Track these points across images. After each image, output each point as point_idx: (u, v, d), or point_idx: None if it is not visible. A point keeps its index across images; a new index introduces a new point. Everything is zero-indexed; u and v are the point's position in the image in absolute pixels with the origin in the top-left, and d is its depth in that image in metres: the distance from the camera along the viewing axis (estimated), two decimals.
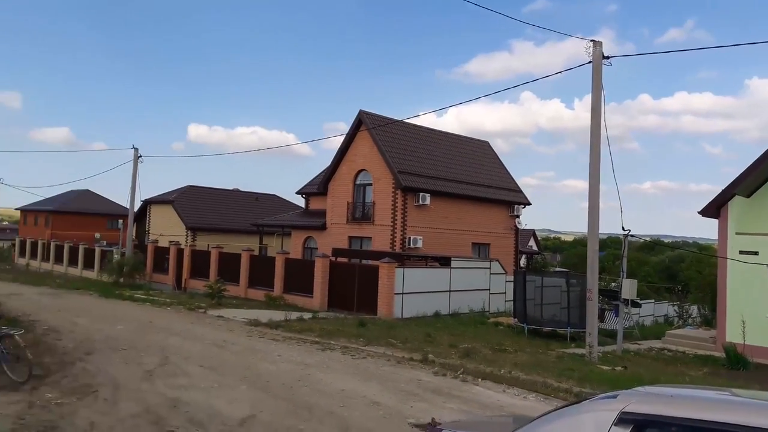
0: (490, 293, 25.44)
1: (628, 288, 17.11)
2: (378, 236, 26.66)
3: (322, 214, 29.84)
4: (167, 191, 43.10)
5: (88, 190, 63.13)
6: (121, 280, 31.46)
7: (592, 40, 15.07)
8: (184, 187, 42.84)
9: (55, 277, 36.45)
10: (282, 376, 10.65)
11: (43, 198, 60.09)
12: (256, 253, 29.98)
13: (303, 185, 33.64)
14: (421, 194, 26.25)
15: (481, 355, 13.99)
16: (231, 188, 47.14)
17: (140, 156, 34.35)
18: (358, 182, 28.21)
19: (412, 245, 25.82)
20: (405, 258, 24.60)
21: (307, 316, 19.39)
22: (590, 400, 3.66)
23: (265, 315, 19.02)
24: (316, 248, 28.84)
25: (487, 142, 34.78)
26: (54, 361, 10.89)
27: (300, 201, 35.77)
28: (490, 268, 25.59)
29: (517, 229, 32.04)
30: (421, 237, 26.20)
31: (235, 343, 14.02)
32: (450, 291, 23.41)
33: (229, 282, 26.09)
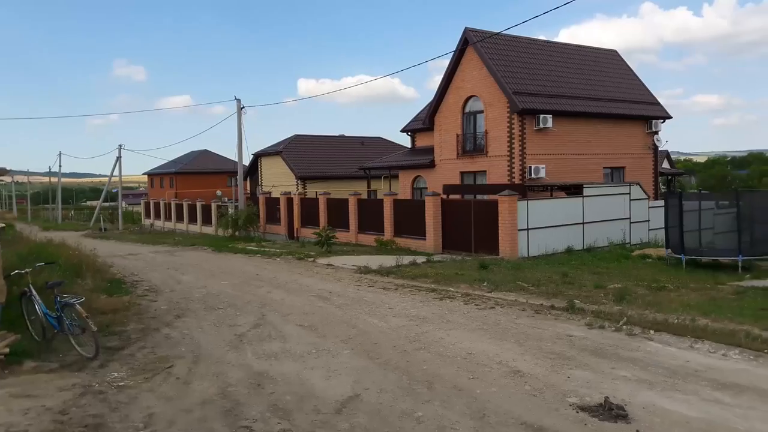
0: (631, 222, 21.95)
1: None
2: (493, 169, 23.84)
3: (429, 151, 27.39)
4: (276, 143, 42.62)
5: (206, 150, 65.03)
6: (236, 233, 31.38)
7: None
8: (291, 137, 42.07)
9: (176, 235, 37.40)
10: (393, 336, 8.64)
11: (166, 161, 62.73)
12: (364, 197, 28.37)
13: (408, 122, 31.27)
14: (541, 116, 22.91)
15: (638, 297, 11.17)
16: (337, 135, 45.87)
17: (243, 107, 33.63)
18: (467, 111, 25.31)
19: (533, 175, 22.77)
20: (527, 189, 21.68)
21: (420, 260, 17.35)
22: None
23: (375, 261, 17.24)
24: (426, 188, 26.59)
25: (615, 51, 30.10)
26: (138, 328, 9.65)
27: (406, 141, 33.55)
28: (629, 193, 22.00)
29: (656, 148, 27.68)
30: (543, 165, 23.02)
31: (342, 295, 12.27)
32: (583, 223, 20.31)
33: (339, 228, 24.70)
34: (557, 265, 16.10)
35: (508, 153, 23.14)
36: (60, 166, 62.17)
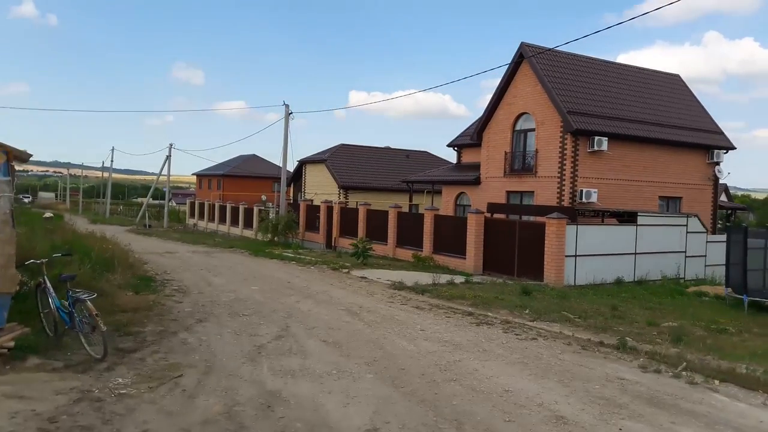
0: (687, 256, 20.57)
1: None
2: (542, 189, 22.84)
3: (475, 167, 26.56)
4: (321, 151, 42.51)
5: (255, 154, 65.76)
6: (275, 238, 31.19)
7: None
8: (337, 145, 41.87)
9: (217, 236, 37.54)
10: (423, 362, 7.90)
11: (216, 163, 63.65)
12: (405, 210, 27.72)
13: (455, 137, 30.54)
14: (596, 138, 21.82)
15: (697, 339, 10.11)
16: (382, 146, 45.46)
17: (291, 113, 33.58)
18: (517, 128, 24.41)
19: (584, 199, 21.64)
20: (577, 214, 20.61)
21: (458, 279, 16.53)
22: None
23: (411, 277, 16.52)
24: (469, 205, 25.73)
25: (678, 76, 28.70)
26: (156, 330, 9.19)
27: (452, 156, 32.80)
28: (687, 225, 20.66)
29: (716, 179, 26.10)
30: (595, 189, 21.88)
31: (372, 311, 11.60)
32: (635, 253, 19.09)
33: (377, 240, 24.09)
34: (606, 297, 15.03)
35: (559, 174, 22.12)
36: (112, 161, 63.88)
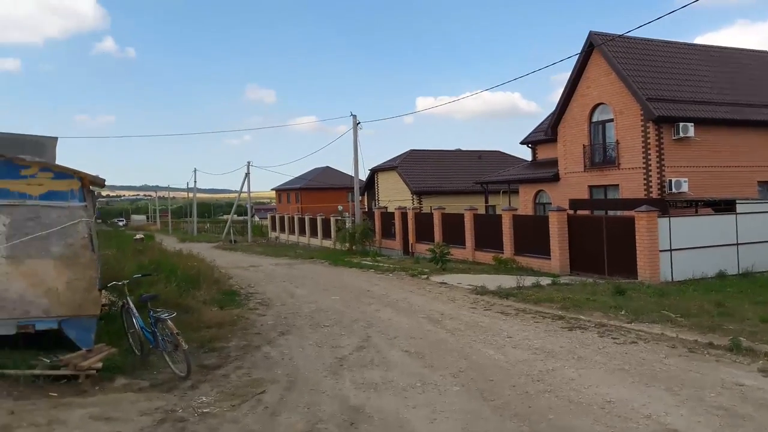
0: None
1: None
2: (627, 182, 21.58)
3: (552, 163, 25.53)
4: (391, 158, 42.47)
5: (328, 166, 66.82)
6: (353, 247, 31.35)
7: None
8: (407, 152, 41.71)
9: (298, 247, 38.21)
10: (512, 372, 7.41)
11: (293, 177, 65.21)
12: (481, 212, 27.05)
13: (528, 133, 29.56)
14: (680, 125, 20.37)
15: None
16: (453, 149, 44.87)
17: (359, 123, 33.73)
18: (594, 120, 23.25)
19: (674, 189, 20.23)
20: (668, 205, 19.28)
21: (544, 281, 15.77)
22: None
23: (493, 281, 15.92)
24: (549, 203, 24.73)
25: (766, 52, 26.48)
26: (239, 345, 9.19)
27: (526, 154, 31.77)
28: None
29: None
30: (685, 179, 20.41)
31: (454, 318, 11.17)
32: (737, 244, 17.58)
33: (454, 245, 23.58)
34: (709, 292, 13.85)
35: (644, 165, 20.85)
36: (195, 182, 66.70)
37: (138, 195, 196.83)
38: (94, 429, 5.40)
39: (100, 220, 79.56)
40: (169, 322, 7.13)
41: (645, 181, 20.82)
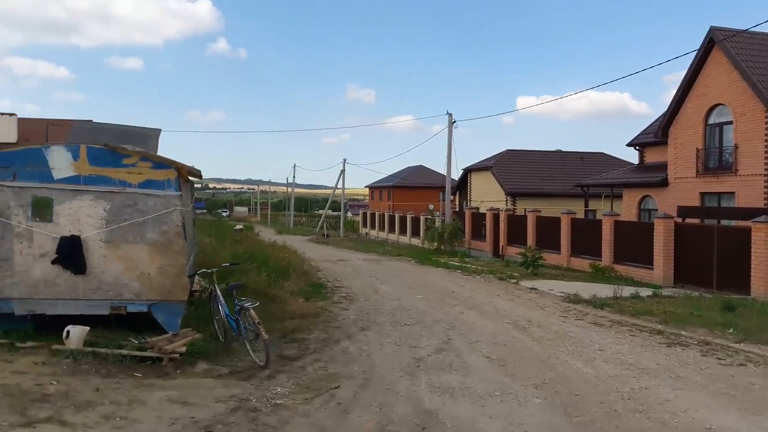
0: None
1: None
2: (744, 190, 19.76)
3: (661, 167, 23.91)
4: (486, 158, 41.67)
5: (422, 165, 66.92)
6: (441, 247, 31.07)
7: None
8: (503, 151, 40.73)
9: (387, 244, 38.43)
10: (601, 388, 6.89)
11: (386, 175, 65.91)
12: (580, 216, 25.83)
13: (635, 135, 27.88)
14: None
15: None
16: (553, 150, 43.27)
17: (454, 121, 33.35)
18: (710, 122, 21.50)
19: None
20: None
21: (644, 292, 14.73)
22: None
23: (588, 289, 15.09)
24: (655, 209, 23.18)
25: None
26: (320, 338, 9.23)
27: (632, 156, 30.02)
28: None
29: None
30: None
31: (542, 326, 10.64)
32: None
33: (548, 249, 22.69)
34: None
35: (765, 172, 19.01)
36: (294, 177, 69.02)
37: (242, 188, 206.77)
38: (170, 412, 5.55)
39: (204, 210, 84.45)
40: (252, 311, 7.25)
41: (766, 190, 18.99)
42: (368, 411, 5.98)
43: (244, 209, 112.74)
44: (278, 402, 6.06)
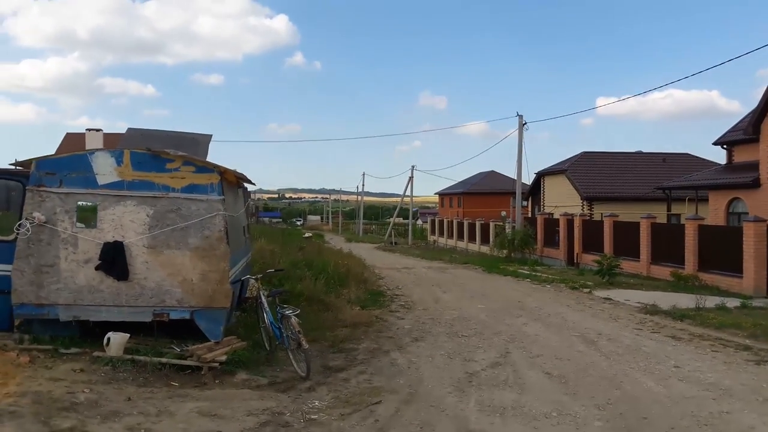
0: None
1: None
2: None
3: (751, 167, 21.99)
4: (560, 161, 40.12)
5: (493, 170, 65.58)
6: (511, 254, 30.05)
7: None
8: (578, 154, 39.06)
9: (455, 252, 37.71)
10: (674, 411, 6.10)
11: (456, 182, 65.08)
12: (661, 221, 24.21)
13: (723, 133, 25.87)
14: None
15: None
16: (633, 151, 41.10)
17: (525, 123, 32.30)
18: None
19: None
20: None
21: (732, 303, 13.42)
22: None
23: (667, 300, 13.93)
24: (746, 213, 21.33)
25: None
26: (369, 348, 8.86)
27: (719, 156, 27.88)
28: None
29: None
30: None
31: (613, 339, 9.79)
32: None
33: (627, 257, 21.36)
34: None
35: None
36: (363, 185, 69.49)
37: (316, 197, 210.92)
38: (198, 425, 5.31)
39: (280, 219, 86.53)
40: (293, 318, 6.97)
41: None
42: (407, 430, 5.51)
43: (317, 218, 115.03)
44: (312, 417, 5.71)
